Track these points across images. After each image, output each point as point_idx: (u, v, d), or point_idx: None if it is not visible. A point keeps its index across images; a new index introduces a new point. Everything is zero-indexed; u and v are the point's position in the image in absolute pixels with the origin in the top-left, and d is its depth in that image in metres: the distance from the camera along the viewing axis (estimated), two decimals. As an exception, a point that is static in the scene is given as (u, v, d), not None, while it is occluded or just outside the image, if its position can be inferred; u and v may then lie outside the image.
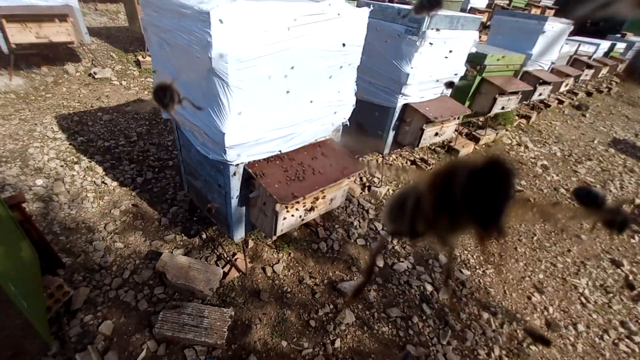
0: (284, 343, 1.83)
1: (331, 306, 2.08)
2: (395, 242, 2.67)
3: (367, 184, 3.17)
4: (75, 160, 2.69)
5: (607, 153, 5.21)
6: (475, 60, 3.47)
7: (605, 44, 7.46)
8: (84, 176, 2.57)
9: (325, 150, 1.90)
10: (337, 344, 1.89)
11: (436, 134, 2.90)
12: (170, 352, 1.67)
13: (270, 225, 1.65)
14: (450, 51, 2.68)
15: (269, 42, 1.30)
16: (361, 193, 3.08)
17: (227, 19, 1.14)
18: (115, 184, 2.56)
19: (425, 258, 2.62)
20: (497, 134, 4.64)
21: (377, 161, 3.46)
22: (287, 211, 1.61)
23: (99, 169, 2.66)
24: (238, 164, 1.56)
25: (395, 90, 2.64)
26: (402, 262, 2.52)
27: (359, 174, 3.29)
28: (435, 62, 2.67)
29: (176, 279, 1.85)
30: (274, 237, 1.74)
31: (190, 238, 2.26)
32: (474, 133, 4.52)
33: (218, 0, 1.17)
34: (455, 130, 4.59)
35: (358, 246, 2.55)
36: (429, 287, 2.37)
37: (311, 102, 1.64)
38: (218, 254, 2.18)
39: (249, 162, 1.60)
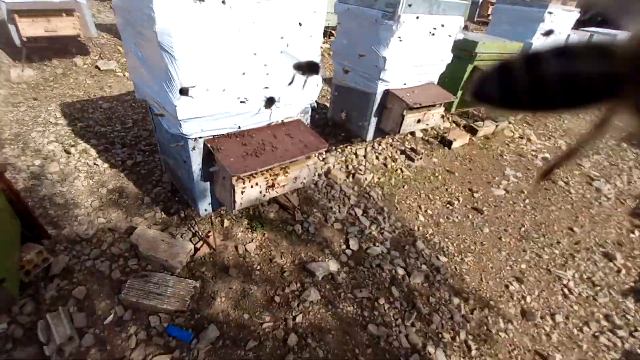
0: (246, 316, 1.91)
1: (298, 284, 2.14)
2: (372, 227, 2.69)
3: (352, 172, 3.20)
4: (72, 143, 2.87)
5: (619, 148, 4.97)
6: (466, 48, 3.42)
7: (623, 34, 7.08)
8: (79, 158, 2.74)
9: (291, 130, 1.95)
10: (299, 319, 1.94)
11: (419, 121, 2.89)
12: (136, 318, 1.78)
13: (229, 198, 1.72)
14: (432, 34, 2.66)
15: (214, 17, 1.37)
16: (345, 180, 3.11)
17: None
18: (106, 165, 2.72)
19: (402, 244, 2.63)
20: (497, 126, 4.53)
21: (365, 150, 3.47)
22: (244, 185, 1.68)
23: (93, 152, 2.83)
24: (197, 139, 1.64)
25: (374, 75, 2.66)
26: (377, 246, 2.54)
27: (345, 161, 3.33)
28: (416, 48, 2.66)
29: (146, 251, 1.96)
30: (234, 210, 1.81)
31: (170, 216, 2.37)
32: (471, 125, 4.44)
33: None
34: (453, 122, 4.55)
35: (334, 230, 2.59)
36: (401, 271, 2.38)
37: (267, 80, 1.69)
38: (194, 231, 2.28)
39: (208, 138, 1.68)
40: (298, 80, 1.77)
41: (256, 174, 1.68)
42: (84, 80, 3.94)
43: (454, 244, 2.75)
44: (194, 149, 1.67)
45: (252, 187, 1.74)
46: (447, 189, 3.37)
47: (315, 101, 2.08)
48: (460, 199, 3.26)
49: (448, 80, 3.64)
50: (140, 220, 2.29)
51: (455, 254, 2.66)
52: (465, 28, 8.82)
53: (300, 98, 1.94)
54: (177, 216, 2.37)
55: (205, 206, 1.96)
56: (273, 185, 1.84)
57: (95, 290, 1.86)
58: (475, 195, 3.36)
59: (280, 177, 1.85)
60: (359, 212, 2.81)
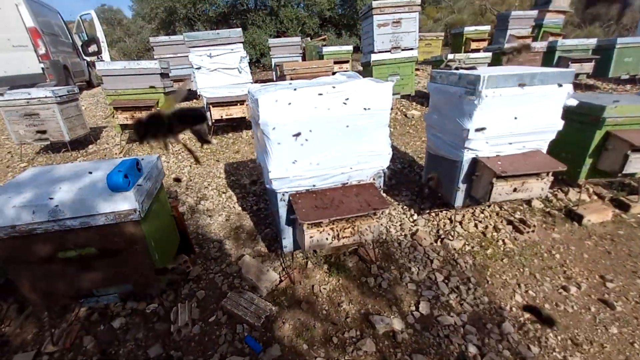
0: (305, 346, 2.20)
1: (357, 332, 2.29)
2: (451, 295, 2.58)
3: (442, 237, 3.17)
4: (224, 191, 4.04)
5: None
6: (590, 113, 3.05)
7: None
8: (225, 201, 3.82)
9: (360, 191, 2.32)
10: (350, 364, 2.09)
11: (515, 190, 2.73)
12: (228, 323, 2.35)
13: (302, 240, 2.18)
14: (527, 104, 2.61)
15: (297, 113, 1.98)
16: (431, 244, 3.12)
17: (265, 101, 1.91)
18: (240, 208, 3.69)
19: (484, 321, 2.41)
20: (663, 202, 3.53)
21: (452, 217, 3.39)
22: (312, 231, 2.11)
23: (234, 198, 3.88)
24: (283, 193, 2.23)
25: (460, 144, 2.76)
26: (452, 316, 2.42)
27: (437, 226, 3.32)
28: (507, 118, 2.66)
29: (246, 273, 2.58)
30: (305, 250, 2.23)
31: (269, 252, 3.00)
32: (621, 197, 3.62)
33: (267, 90, 1.97)
34: (595, 193, 3.81)
35: (408, 289, 2.63)
36: (473, 350, 2.18)
37: (337, 154, 2.17)
38: (283, 266, 2.81)
39: (292, 193, 2.24)
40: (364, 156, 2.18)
41: (321, 223, 2.10)
42: (244, 147, 5.43)
43: (559, 337, 2.31)
44: (281, 200, 2.25)
45: (320, 233, 2.15)
46: (565, 271, 2.86)
47: (387, 167, 2.40)
48: (582, 285, 2.70)
49: (571, 147, 3.28)
50: (249, 251, 3.01)
51: (557, 349, 2.22)
52: (590, 88, 7.34)
53: (371, 165, 2.32)
54: (274, 253, 2.98)
55: (288, 245, 2.48)
56: (338, 236, 2.20)
57: (210, 295, 2.56)
58: (609, 285, 2.71)
59: (345, 230, 2.20)
60: (440, 277, 2.76)
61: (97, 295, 2.10)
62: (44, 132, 4.64)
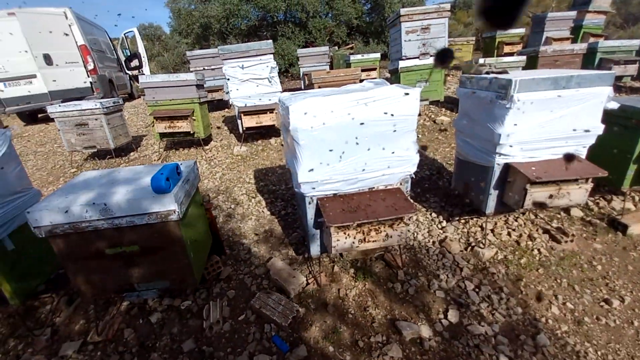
0: (331, 348, 2.22)
1: (383, 337, 2.29)
2: (482, 305, 2.51)
3: (472, 244, 3.09)
4: (254, 196, 4.18)
5: None
6: (633, 117, 2.88)
7: None
8: (255, 206, 3.95)
9: (387, 196, 2.33)
10: (376, 368, 2.09)
11: (551, 197, 2.62)
12: (257, 322, 2.42)
13: (329, 243, 2.23)
14: (563, 109, 2.52)
15: (325, 119, 2.05)
16: (461, 251, 3.04)
17: (295, 109, 1.99)
18: (268, 213, 3.80)
19: (517, 332, 2.32)
20: None
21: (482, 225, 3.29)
22: (338, 234, 2.15)
23: (264, 203, 4.01)
24: (312, 197, 2.29)
25: (491, 150, 2.71)
26: (482, 326, 2.35)
27: (467, 233, 3.24)
28: (542, 122, 2.58)
29: (274, 275, 2.66)
30: (332, 253, 2.28)
31: (297, 255, 3.07)
32: (673, 208, 3.36)
33: (297, 98, 2.06)
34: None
35: (436, 297, 2.59)
36: (505, 361, 2.11)
37: (364, 159, 2.21)
38: (310, 270, 2.86)
39: (320, 197, 2.30)
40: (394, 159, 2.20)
41: (348, 226, 2.13)
42: (272, 154, 5.59)
43: (599, 352, 2.17)
44: (309, 203, 2.32)
45: (347, 237, 2.19)
46: (607, 284, 2.69)
47: (414, 173, 2.41)
48: (626, 299, 2.53)
49: (614, 153, 3.10)
50: (277, 253, 3.09)
51: None
52: (635, 91, 6.79)
53: (398, 170, 2.33)
54: (302, 256, 3.04)
55: (315, 249, 2.53)
56: (365, 239, 2.22)
57: (239, 295, 2.66)
58: (657, 299, 2.51)
59: (372, 234, 2.22)
60: (470, 286, 2.69)
61: (138, 290, 2.25)
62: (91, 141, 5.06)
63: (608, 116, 2.75)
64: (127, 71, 11.06)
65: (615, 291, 2.61)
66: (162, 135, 5.36)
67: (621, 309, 2.45)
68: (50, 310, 2.66)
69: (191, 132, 5.25)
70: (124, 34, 11.44)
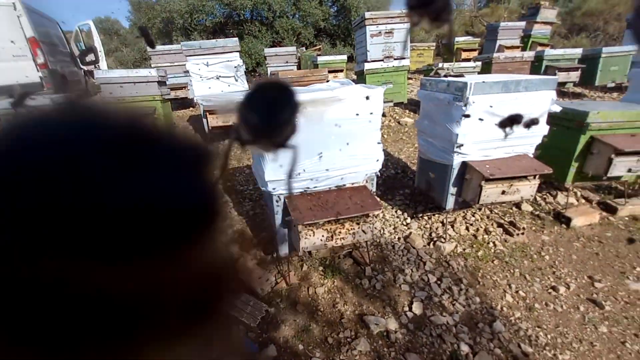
0: (301, 347, 2.23)
1: (352, 332, 2.33)
2: (444, 296, 2.64)
3: (435, 239, 3.24)
4: (220, 196, 4.08)
5: None
6: (575, 119, 3.17)
7: None
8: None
9: (353, 194, 2.38)
10: (345, 363, 2.13)
11: (503, 192, 2.81)
12: (225, 324, 2.37)
13: (297, 242, 2.23)
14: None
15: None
16: (424, 246, 3.18)
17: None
18: (236, 213, 3.73)
19: (475, 320, 2.46)
20: (649, 205, 3.64)
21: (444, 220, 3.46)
22: (307, 232, 2.17)
23: (231, 204, 3.93)
24: (279, 195, 2.29)
25: (449, 149, 2.86)
26: (444, 316, 2.47)
27: (429, 229, 3.39)
28: (496, 124, 2.76)
29: (243, 276, 2.62)
30: (300, 252, 2.29)
31: (266, 255, 3.04)
32: (608, 201, 3.73)
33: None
34: (583, 197, 3.92)
35: (401, 291, 2.68)
36: (465, 348, 2.23)
37: (330, 157, 2.25)
38: (278, 269, 2.85)
39: (286, 195, 2.30)
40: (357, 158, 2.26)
41: (316, 224, 2.16)
42: (239, 153, 5.49)
43: (548, 336, 2.36)
44: (277, 202, 2.31)
45: (314, 234, 2.21)
46: (554, 272, 2.93)
47: (380, 171, 2.48)
48: (571, 286, 2.77)
49: (558, 152, 3.39)
50: (245, 254, 3.04)
51: (547, 348, 2.28)
52: (578, 96, 7.58)
53: (364, 168, 2.39)
54: (270, 256, 3.02)
55: (284, 248, 2.52)
56: (332, 237, 2.26)
57: (206, 298, 2.59)
58: (597, 285, 2.78)
59: (339, 231, 2.26)
60: (433, 278, 2.81)
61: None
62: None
63: (552, 118, 3.00)
64: (82, 66, 10.33)
65: (561, 279, 2.85)
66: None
67: (567, 295, 2.69)
68: None
69: (153, 132, 5.02)
70: (78, 27, 10.68)
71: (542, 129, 2.89)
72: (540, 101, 2.73)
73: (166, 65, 7.91)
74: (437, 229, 3.41)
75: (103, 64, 10.13)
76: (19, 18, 7.28)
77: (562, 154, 3.36)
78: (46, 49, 7.84)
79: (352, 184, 2.46)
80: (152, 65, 7.90)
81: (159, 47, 7.99)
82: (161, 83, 5.06)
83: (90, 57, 9.80)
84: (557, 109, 2.88)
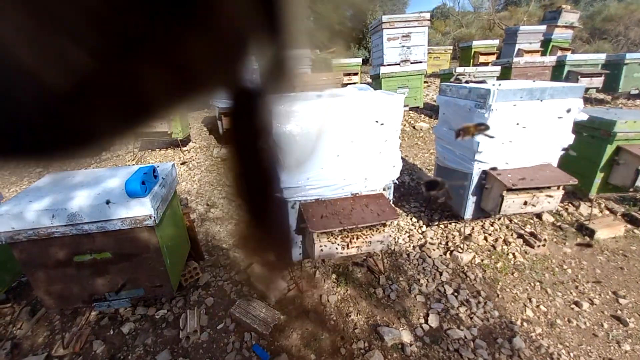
0: (313, 356, 2.19)
1: (365, 344, 2.27)
2: (461, 309, 2.55)
3: (451, 249, 3.15)
4: (233, 199, 4.08)
5: None
6: (601, 128, 3.04)
7: None
8: (235, 209, 3.86)
9: (370, 202, 2.33)
10: (358, 376, 2.07)
11: (525, 203, 2.71)
12: (236, 330, 2.35)
13: (311, 249, 2.19)
14: (537, 119, 2.63)
15: (309, 123, 2.02)
16: (440, 256, 3.10)
17: (277, 111, 1.96)
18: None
19: (494, 335, 2.37)
20: (678, 218, 3.46)
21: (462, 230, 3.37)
22: (321, 240, 2.13)
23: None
24: (294, 202, 2.25)
25: (470, 157, 2.77)
26: (462, 330, 2.38)
27: (446, 238, 3.31)
28: (517, 131, 2.67)
29: (255, 281, 2.59)
30: (315, 259, 2.24)
31: (279, 261, 3.00)
32: (633, 213, 3.57)
33: (280, 101, 2.02)
34: (607, 208, 3.76)
35: (416, 302, 2.61)
36: (484, 364, 2.15)
37: (347, 164, 2.20)
38: (291, 275, 2.82)
39: (302, 202, 2.27)
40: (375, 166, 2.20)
41: (331, 232, 2.11)
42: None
43: (571, 354, 2.26)
44: (292, 207, 2.28)
45: (329, 242, 2.16)
46: (577, 287, 2.81)
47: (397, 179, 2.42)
48: (595, 302, 2.65)
49: (583, 161, 3.26)
50: (258, 259, 3.01)
51: None
52: (600, 102, 7.30)
53: (382, 176, 2.34)
54: (283, 262, 2.98)
55: (297, 254, 2.49)
56: (348, 245, 2.21)
57: (218, 302, 2.58)
58: (622, 301, 2.65)
59: (355, 239, 2.21)
60: (449, 290, 2.73)
61: (109, 299, 2.12)
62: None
63: (578, 127, 2.89)
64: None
65: (584, 294, 2.73)
66: (137, 134, 5.14)
67: (591, 311, 2.57)
68: (10, 322, 2.47)
69: (169, 132, 5.07)
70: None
71: (567, 138, 2.79)
72: (567, 108, 2.63)
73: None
74: (453, 238, 3.32)
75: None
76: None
77: (587, 164, 3.23)
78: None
79: (369, 192, 2.40)
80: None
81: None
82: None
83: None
84: (584, 117, 2.77)
